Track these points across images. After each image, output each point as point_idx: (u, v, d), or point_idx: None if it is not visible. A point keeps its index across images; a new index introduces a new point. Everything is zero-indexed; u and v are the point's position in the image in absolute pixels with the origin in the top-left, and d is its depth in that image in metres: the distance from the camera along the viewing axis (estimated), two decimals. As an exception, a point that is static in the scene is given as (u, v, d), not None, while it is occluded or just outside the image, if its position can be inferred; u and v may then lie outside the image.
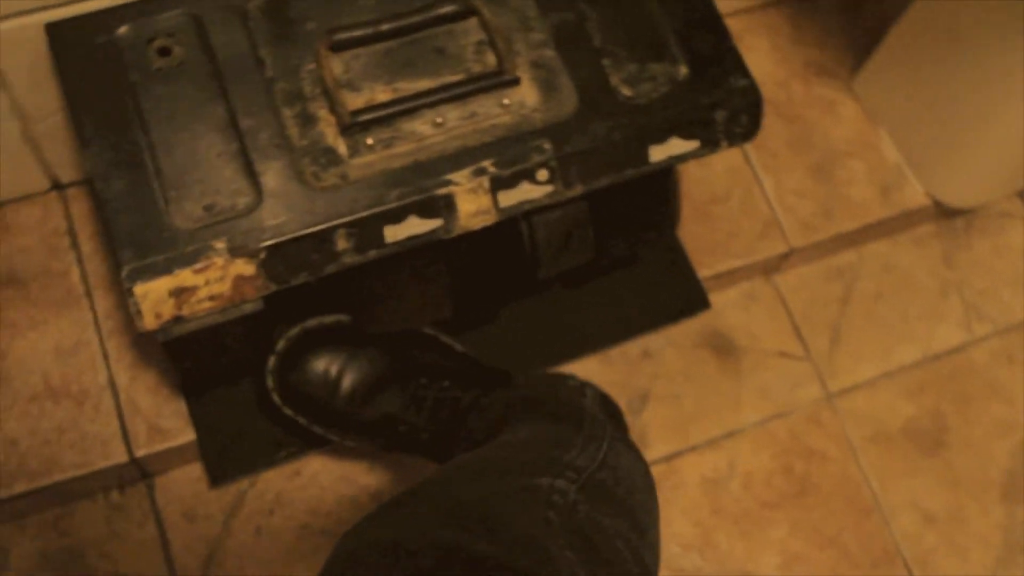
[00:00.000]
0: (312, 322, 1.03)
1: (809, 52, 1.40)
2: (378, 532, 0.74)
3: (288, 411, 1.07)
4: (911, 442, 1.31)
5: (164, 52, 0.93)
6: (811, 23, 1.42)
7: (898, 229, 1.37)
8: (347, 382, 1.05)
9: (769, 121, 1.35)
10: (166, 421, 1.12)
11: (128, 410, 1.12)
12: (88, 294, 1.15)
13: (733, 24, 1.35)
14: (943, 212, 1.38)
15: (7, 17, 0.93)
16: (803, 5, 1.43)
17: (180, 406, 1.13)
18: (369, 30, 0.94)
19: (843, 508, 1.26)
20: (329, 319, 1.04)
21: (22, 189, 1.16)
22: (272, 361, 1.04)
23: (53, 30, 0.92)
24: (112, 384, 1.12)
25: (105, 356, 1.13)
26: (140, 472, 1.14)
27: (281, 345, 1.03)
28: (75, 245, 1.16)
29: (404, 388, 1.06)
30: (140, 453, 1.10)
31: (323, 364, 1.05)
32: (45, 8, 0.93)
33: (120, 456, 1.10)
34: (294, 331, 1.03)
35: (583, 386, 1.10)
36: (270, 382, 1.05)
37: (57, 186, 1.18)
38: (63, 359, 1.13)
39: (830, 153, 1.35)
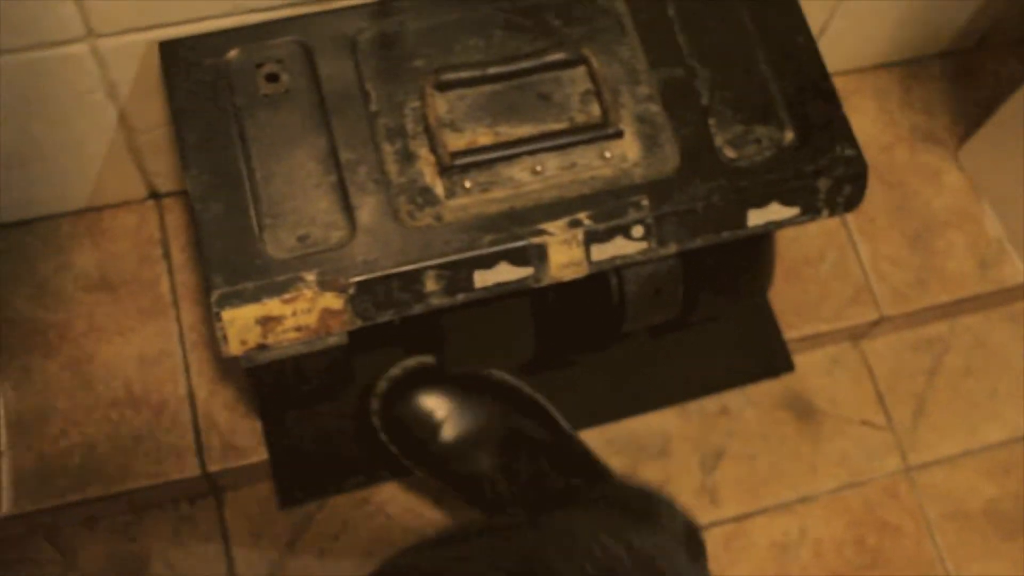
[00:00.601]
0: (427, 359, 1.04)
1: (917, 118, 1.38)
2: (420, 562, 0.74)
3: (384, 437, 1.07)
4: (991, 524, 1.28)
5: (272, 78, 0.93)
6: (922, 88, 1.40)
7: (993, 304, 1.34)
8: (449, 430, 1.05)
9: (871, 185, 1.31)
10: (241, 439, 1.13)
11: (205, 424, 1.13)
12: (175, 304, 1.16)
13: (841, 84, 1.33)
14: (1042, 290, 1.35)
15: (125, 32, 0.94)
16: (915, 69, 1.40)
17: (256, 425, 1.13)
18: (477, 72, 0.94)
19: (914, 586, 1.24)
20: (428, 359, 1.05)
21: (121, 196, 1.18)
22: (382, 385, 1.05)
23: (166, 48, 0.93)
24: (191, 397, 1.13)
25: (187, 368, 1.14)
26: (211, 486, 1.15)
27: (396, 372, 1.05)
28: (167, 255, 1.18)
29: (503, 454, 1.05)
30: (213, 468, 1.11)
31: (431, 404, 1.05)
32: (161, 26, 0.94)
33: (193, 469, 1.11)
34: (411, 363, 1.04)
35: (675, 512, 1.07)
36: (375, 404, 1.05)
37: (154, 195, 1.19)
38: (146, 367, 1.14)
39: (930, 222, 1.33)
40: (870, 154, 1.26)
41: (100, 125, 1.05)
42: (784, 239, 1.27)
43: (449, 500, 1.17)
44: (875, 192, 1.33)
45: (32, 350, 1.12)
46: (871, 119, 1.36)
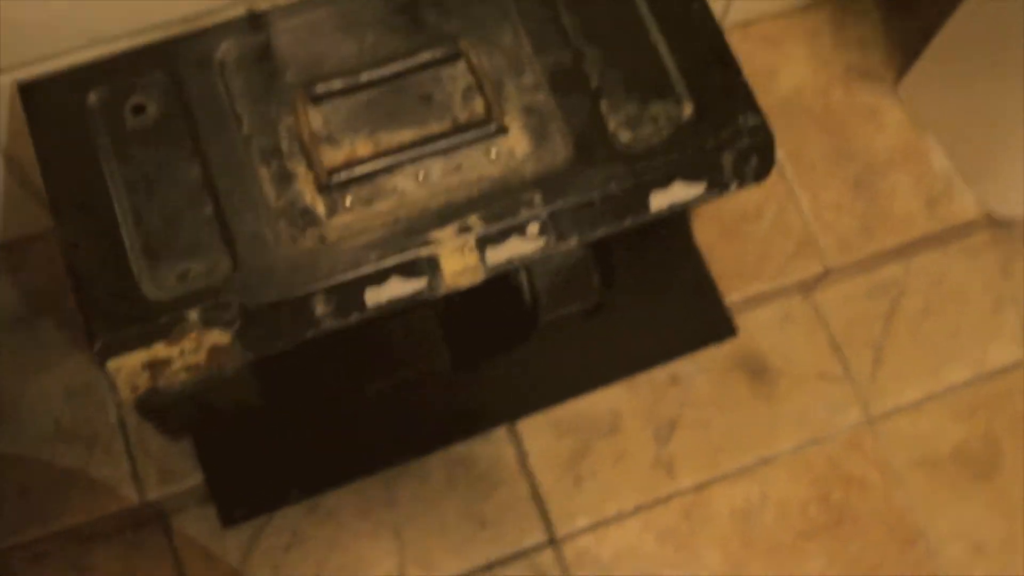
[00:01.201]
0: None
1: (851, 56, 1.32)
2: None
3: None
4: (961, 467, 1.24)
5: (138, 111, 0.90)
6: (855, 25, 1.34)
7: (948, 240, 1.30)
8: None
9: (807, 130, 1.28)
10: (176, 463, 1.11)
11: (138, 452, 1.11)
12: (98, 333, 1.14)
13: (771, 27, 1.29)
14: (998, 222, 1.30)
15: (-18, 75, 0.91)
16: (846, 6, 1.34)
17: (189, 447, 1.11)
18: (351, 80, 0.90)
19: (885, 538, 1.21)
20: None
21: (30, 228, 1.15)
22: None
23: (25, 89, 0.90)
24: (122, 426, 1.12)
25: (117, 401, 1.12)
26: (154, 513, 1.13)
27: None
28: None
29: None
30: (151, 496, 1.10)
31: None
32: (19, 66, 0.91)
33: (131, 499, 1.10)
34: None
35: None
36: None
37: (66, 223, 1.16)
38: (73, 401, 1.12)
39: (872, 164, 1.28)
40: (804, 97, 1.22)
41: (-15, 165, 1.02)
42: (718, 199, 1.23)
43: (402, 502, 1.16)
44: (813, 137, 1.28)
45: (-45, 395, 1.11)
46: (803, 63, 1.31)
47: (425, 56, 0.91)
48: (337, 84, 0.90)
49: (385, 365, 1.02)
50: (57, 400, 1.12)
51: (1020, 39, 1.12)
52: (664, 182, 0.91)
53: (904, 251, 1.27)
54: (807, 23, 1.33)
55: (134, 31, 0.92)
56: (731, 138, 0.92)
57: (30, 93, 0.90)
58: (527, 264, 0.93)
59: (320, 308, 0.86)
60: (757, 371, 1.24)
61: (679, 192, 0.92)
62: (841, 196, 1.26)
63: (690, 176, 0.92)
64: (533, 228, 0.89)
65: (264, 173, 0.89)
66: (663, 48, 0.95)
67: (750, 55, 1.22)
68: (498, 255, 0.89)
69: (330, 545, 1.16)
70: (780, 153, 0.91)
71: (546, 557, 1.17)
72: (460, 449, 1.18)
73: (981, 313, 1.29)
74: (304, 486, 1.14)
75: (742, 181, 0.94)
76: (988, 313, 1.29)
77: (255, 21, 0.93)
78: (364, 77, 0.90)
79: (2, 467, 1.09)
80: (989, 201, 1.27)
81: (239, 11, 0.94)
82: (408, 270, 0.87)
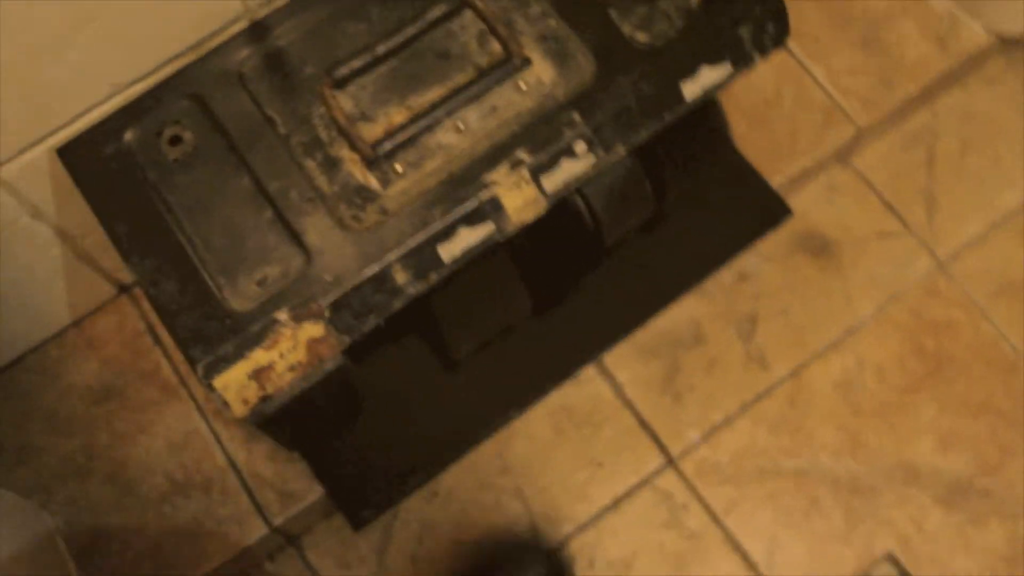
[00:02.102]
0: None
1: (827, -76, 1.33)
2: None
3: None
4: (1039, 285, 1.25)
5: (176, 141, 0.91)
6: None
7: (966, 75, 1.31)
8: None
9: (803, 5, 1.29)
10: (293, 484, 1.12)
11: (254, 483, 1.12)
12: (183, 383, 1.15)
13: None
14: (1010, 43, 1.31)
15: (19, 153, 0.93)
16: None
17: (302, 466, 1.13)
18: (368, 57, 0.92)
19: (986, 371, 1.22)
20: None
21: (93, 302, 1.17)
22: None
23: (64, 153, 0.91)
24: (232, 463, 1.13)
25: (217, 438, 1.13)
26: (285, 538, 1.14)
27: None
28: (157, 341, 1.17)
29: None
30: (277, 522, 1.11)
31: None
32: (52, 133, 0.93)
33: (260, 530, 1.11)
34: None
35: None
36: None
37: (123, 288, 1.18)
38: (178, 453, 1.13)
39: (874, 20, 1.29)
40: (790, -24, 1.22)
41: (40, 245, 1.04)
42: (737, 87, 1.24)
43: (516, 465, 1.17)
44: (809, 10, 1.29)
45: (67, 479, 1.12)
46: (779, -58, 1.32)
47: (433, 14, 0.93)
48: (356, 63, 0.91)
49: (471, 325, 1.03)
50: (163, 456, 1.13)
51: None
52: (691, 70, 0.93)
53: (927, 95, 1.28)
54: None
55: (149, 71, 0.94)
56: (743, 12, 0.94)
57: (69, 155, 0.91)
58: (582, 187, 0.94)
59: (400, 276, 0.87)
60: (819, 247, 1.25)
61: (707, 76, 0.93)
62: (853, 58, 1.27)
63: (714, 58, 0.93)
64: (580, 146, 0.90)
65: (311, 165, 0.90)
66: (654, -55, 0.96)
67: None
68: (554, 181, 0.90)
69: (457, 525, 1.16)
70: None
71: (668, 478, 1.18)
72: (557, 398, 1.19)
73: (1017, 135, 1.30)
74: (420, 471, 1.15)
75: (763, 50, 0.95)
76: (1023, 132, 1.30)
77: (259, 29, 0.94)
78: (380, 50, 0.91)
79: (128, 537, 1.11)
80: (995, 25, 1.28)
81: (242, 24, 0.95)
82: (473, 218, 0.88)
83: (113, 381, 1.15)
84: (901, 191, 1.27)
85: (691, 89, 0.93)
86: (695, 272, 1.21)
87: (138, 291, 1.19)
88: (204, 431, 1.14)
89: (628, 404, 1.19)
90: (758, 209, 1.22)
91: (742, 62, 0.94)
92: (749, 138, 1.23)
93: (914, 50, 1.27)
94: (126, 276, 1.16)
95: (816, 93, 1.25)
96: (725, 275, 1.23)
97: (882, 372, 1.21)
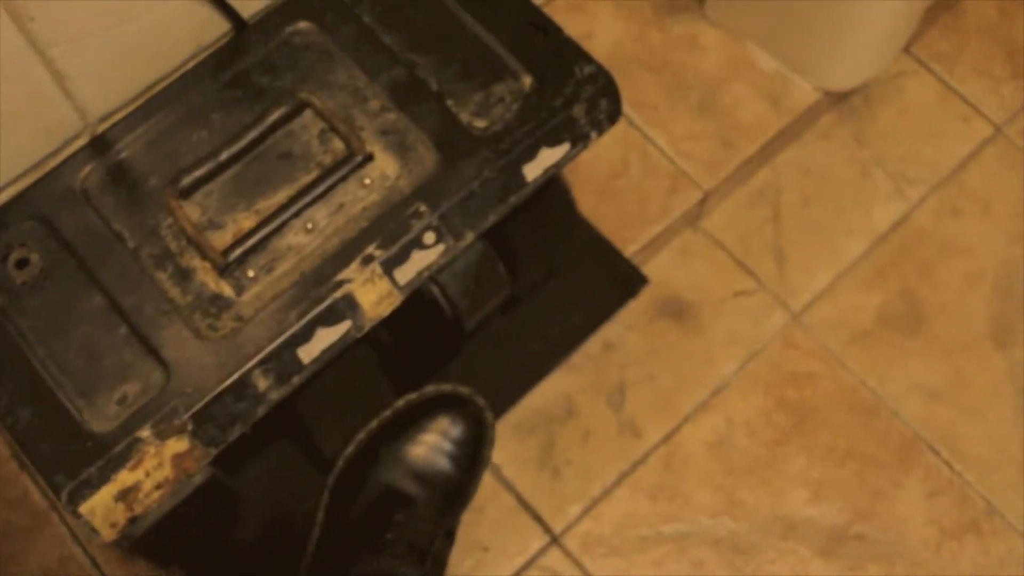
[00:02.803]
0: None
1: (652, -2, 1.38)
2: None
3: None
4: (890, 329, 1.29)
5: (22, 264, 0.90)
6: (643, -32, 1.40)
7: (801, 130, 1.36)
8: None
9: (639, 76, 1.33)
10: (173, 600, 1.10)
11: (135, 607, 1.10)
12: (54, 507, 1.13)
13: (570, -4, 1.34)
14: (838, 98, 1.37)
15: None
16: (629, -47, 1.40)
17: (183, 579, 1.11)
18: (211, 164, 0.92)
19: (849, 418, 1.25)
20: None
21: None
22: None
23: (-95, 284, 0.90)
24: (111, 585, 1.10)
25: (94, 562, 1.11)
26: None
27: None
28: (23, 465, 1.14)
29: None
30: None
31: None
32: None
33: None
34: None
35: None
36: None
37: (-18, 414, 1.15)
38: (53, 579, 1.10)
39: (708, 86, 1.33)
40: (625, 48, 1.27)
41: None
42: (583, 163, 1.26)
43: None
44: (646, 80, 1.33)
45: (-65, 618, 1.08)
46: (613, 15, 1.36)
47: (273, 116, 0.93)
48: (200, 171, 0.92)
49: (338, 422, 1.03)
50: (37, 584, 1.10)
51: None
52: (531, 153, 0.95)
53: (766, 153, 1.32)
54: (603, -20, 1.38)
55: (-12, 194, 0.93)
56: (575, 92, 0.96)
57: (-90, 286, 0.89)
58: (436, 275, 0.95)
59: (261, 383, 0.87)
60: (678, 311, 1.28)
61: (547, 157, 0.96)
62: (692, 124, 1.31)
63: (552, 139, 0.95)
64: (429, 236, 0.91)
65: (163, 277, 0.90)
66: (483, 34, 0.98)
67: (563, 26, 1.26)
68: (406, 273, 0.91)
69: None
70: (624, 103, 0.96)
71: (554, 557, 1.19)
72: (436, 485, 1.19)
73: (853, 185, 1.35)
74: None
75: (599, 128, 0.98)
76: (859, 182, 1.35)
77: (100, 143, 0.94)
78: (223, 155, 0.92)
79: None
80: (823, 82, 1.33)
81: (83, 140, 0.95)
82: (329, 317, 0.89)
83: (-26, 515, 1.12)
84: (751, 248, 1.31)
85: (532, 171, 0.95)
86: (560, 348, 1.23)
87: (-2, 417, 1.16)
88: (79, 555, 1.11)
89: (507, 485, 1.20)
90: (615, 280, 1.25)
91: (580, 141, 0.97)
92: (600, 210, 1.26)
93: (749, 111, 1.32)
94: (-16, 404, 1.13)
95: (660, 160, 1.29)
96: (591, 346, 1.25)
97: (750, 428, 1.24)
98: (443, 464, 1.07)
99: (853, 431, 1.24)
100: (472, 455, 1.08)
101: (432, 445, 1.06)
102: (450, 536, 1.09)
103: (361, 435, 1.05)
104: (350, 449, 1.05)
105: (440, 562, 1.07)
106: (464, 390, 1.07)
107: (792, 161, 1.36)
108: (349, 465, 1.06)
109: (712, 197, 1.29)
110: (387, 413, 1.04)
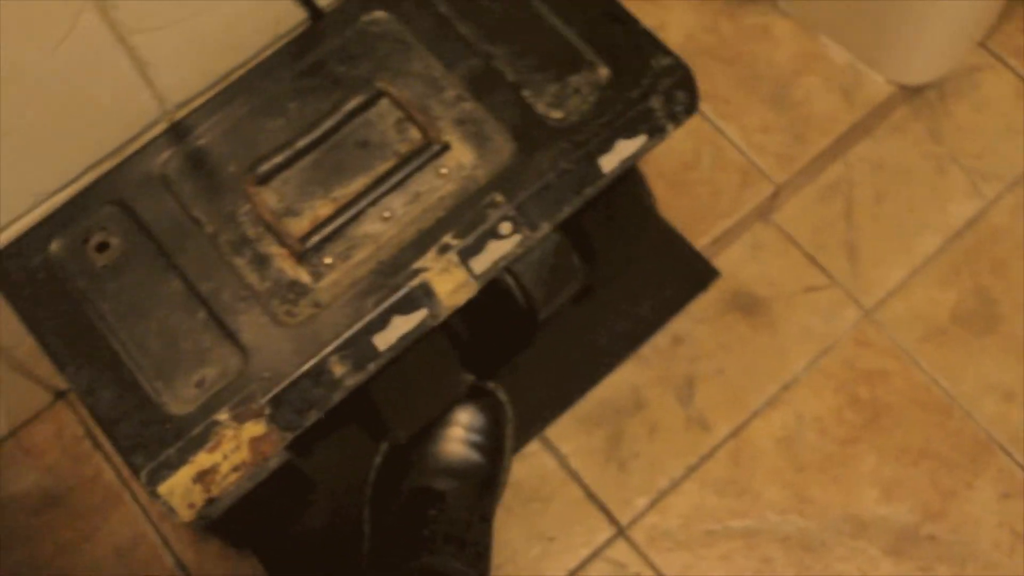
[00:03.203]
0: None
1: (725, -13, 1.37)
2: None
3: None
4: (964, 328, 1.28)
5: (103, 248, 0.92)
6: (720, -44, 1.39)
7: (874, 125, 1.34)
8: None
9: (711, 68, 1.32)
10: (245, 583, 1.11)
11: (205, 585, 1.11)
12: (127, 486, 1.15)
13: (642, -13, 1.33)
14: (912, 91, 1.35)
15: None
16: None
17: (253, 561, 1.12)
18: (289, 152, 0.93)
19: (922, 417, 1.24)
20: None
21: (28, 411, 1.16)
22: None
23: (-11, 266, 0.91)
24: (181, 565, 1.12)
25: (165, 541, 1.13)
26: (237, 637, 1.13)
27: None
28: (97, 445, 1.16)
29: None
30: (229, 622, 1.10)
31: None
32: (-26, 249, 0.92)
33: (212, 632, 1.10)
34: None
35: None
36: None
37: (60, 395, 1.17)
38: (126, 558, 1.12)
39: (781, 78, 1.32)
40: (697, 39, 1.27)
41: (-32, 360, 1.03)
42: (654, 155, 1.25)
43: None
44: (718, 72, 1.32)
45: (11, 594, 1.10)
46: (685, 6, 1.35)
47: (349, 105, 0.94)
48: (278, 159, 0.92)
49: (411, 409, 1.03)
50: (111, 563, 1.12)
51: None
52: (607, 144, 0.94)
53: (839, 147, 1.31)
54: (677, -30, 1.38)
55: (71, 179, 0.94)
56: (652, 83, 0.96)
57: (-6, 268, 0.91)
58: (511, 265, 0.95)
59: (338, 369, 0.88)
60: (749, 305, 1.27)
61: (624, 148, 0.95)
62: (764, 117, 1.30)
63: (628, 131, 0.95)
64: (506, 227, 0.91)
65: (241, 263, 0.90)
66: (560, 25, 0.98)
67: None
68: (482, 263, 0.91)
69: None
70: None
71: (619, 549, 1.19)
72: (503, 475, 1.20)
73: (928, 180, 1.33)
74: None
75: (676, 120, 0.97)
76: (934, 178, 1.33)
77: (179, 130, 0.95)
78: (301, 144, 0.93)
79: (78, 648, 1.09)
80: (897, 75, 1.32)
81: (161, 126, 0.96)
82: (406, 305, 0.89)
83: (54, 489, 1.14)
84: (823, 244, 1.30)
85: (609, 162, 0.95)
86: (630, 340, 1.23)
87: (73, 396, 1.18)
88: (151, 534, 1.13)
89: (574, 476, 1.20)
90: (686, 273, 1.24)
91: (656, 133, 0.96)
92: (672, 202, 1.26)
93: (821, 104, 1.31)
94: (62, 382, 1.15)
95: (732, 153, 1.28)
96: (660, 339, 1.25)
97: (821, 425, 1.23)
98: (469, 454, 1.09)
99: (925, 430, 1.23)
100: (496, 440, 1.10)
101: (456, 438, 1.08)
102: (485, 520, 1.10)
103: (384, 444, 1.07)
104: (377, 459, 1.09)
105: (481, 546, 1.08)
106: (469, 377, 1.09)
107: (865, 155, 1.34)
108: (381, 474, 1.08)
109: (784, 191, 1.28)
110: None
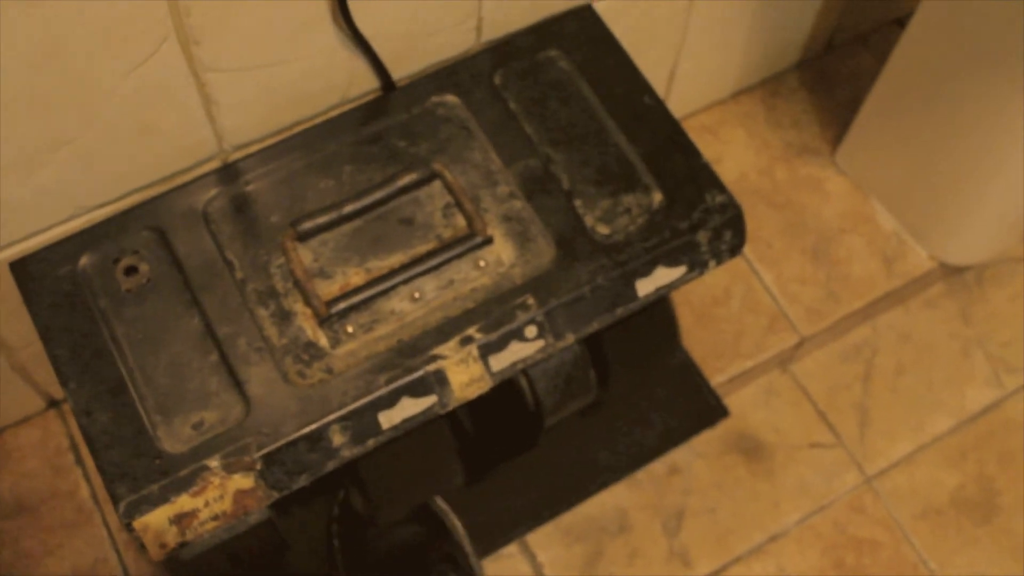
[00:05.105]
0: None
1: (787, 133, 1.38)
2: None
3: None
4: (962, 513, 1.27)
5: (131, 271, 0.91)
6: (785, 103, 1.40)
7: (908, 296, 1.34)
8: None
9: (759, 210, 1.32)
10: (197, 627, 1.09)
11: (159, 622, 1.09)
12: (99, 508, 1.13)
13: (707, 118, 1.34)
14: (951, 270, 1.35)
15: (-30, 262, 0.92)
16: (774, 86, 1.41)
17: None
18: (333, 214, 0.93)
19: (902, 594, 1.22)
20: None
21: (18, 413, 1.15)
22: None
23: (17, 268, 0.91)
24: (137, 598, 1.10)
25: (125, 571, 1.11)
26: None
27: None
28: (79, 460, 1.15)
29: None
30: (176, 664, 1.07)
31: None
32: (5, 247, 0.92)
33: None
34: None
35: None
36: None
37: (53, 403, 1.16)
38: (83, 581, 1.10)
39: (825, 233, 1.33)
40: (750, 179, 1.27)
41: (-27, 353, 1.02)
42: (687, 286, 1.26)
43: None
44: (765, 215, 1.33)
45: (-38, 594, 1.09)
46: (744, 145, 1.36)
47: (402, 181, 0.94)
48: (322, 219, 0.92)
49: (398, 492, 1.02)
50: (67, 583, 1.10)
51: (943, 96, 1.18)
52: (647, 269, 0.94)
53: (869, 311, 1.31)
54: (740, 109, 1.39)
55: (116, 197, 0.95)
56: (703, 218, 0.96)
57: (22, 270, 0.91)
58: (528, 368, 0.94)
59: (337, 438, 0.87)
60: (751, 449, 1.26)
61: (662, 276, 0.95)
62: (802, 268, 1.30)
63: (670, 260, 0.95)
64: (531, 330, 0.91)
65: (263, 314, 0.90)
66: (624, 143, 0.98)
67: (695, 146, 1.27)
68: (502, 361, 0.91)
69: None
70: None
71: (576, 668, 1.17)
72: (475, 571, 1.18)
73: (951, 361, 1.33)
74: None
75: (719, 258, 0.97)
76: (958, 360, 1.33)
77: (231, 171, 0.95)
78: (347, 209, 0.93)
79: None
80: (939, 253, 1.32)
81: (214, 164, 0.96)
82: (417, 389, 0.88)
83: (27, 497, 1.13)
84: (836, 403, 1.29)
85: (645, 287, 0.94)
86: (629, 462, 1.22)
87: (67, 407, 1.17)
88: (113, 560, 1.11)
89: (545, 585, 1.19)
90: (697, 407, 1.24)
91: (697, 267, 0.96)
92: (694, 334, 1.25)
93: (861, 266, 1.31)
94: (58, 391, 1.14)
95: (764, 297, 1.28)
96: (657, 466, 1.24)
97: (801, 583, 1.21)
98: None
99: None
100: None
101: None
102: None
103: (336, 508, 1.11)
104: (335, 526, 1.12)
105: None
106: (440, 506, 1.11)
107: (894, 324, 1.34)
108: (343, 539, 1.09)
109: (808, 343, 1.28)
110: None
